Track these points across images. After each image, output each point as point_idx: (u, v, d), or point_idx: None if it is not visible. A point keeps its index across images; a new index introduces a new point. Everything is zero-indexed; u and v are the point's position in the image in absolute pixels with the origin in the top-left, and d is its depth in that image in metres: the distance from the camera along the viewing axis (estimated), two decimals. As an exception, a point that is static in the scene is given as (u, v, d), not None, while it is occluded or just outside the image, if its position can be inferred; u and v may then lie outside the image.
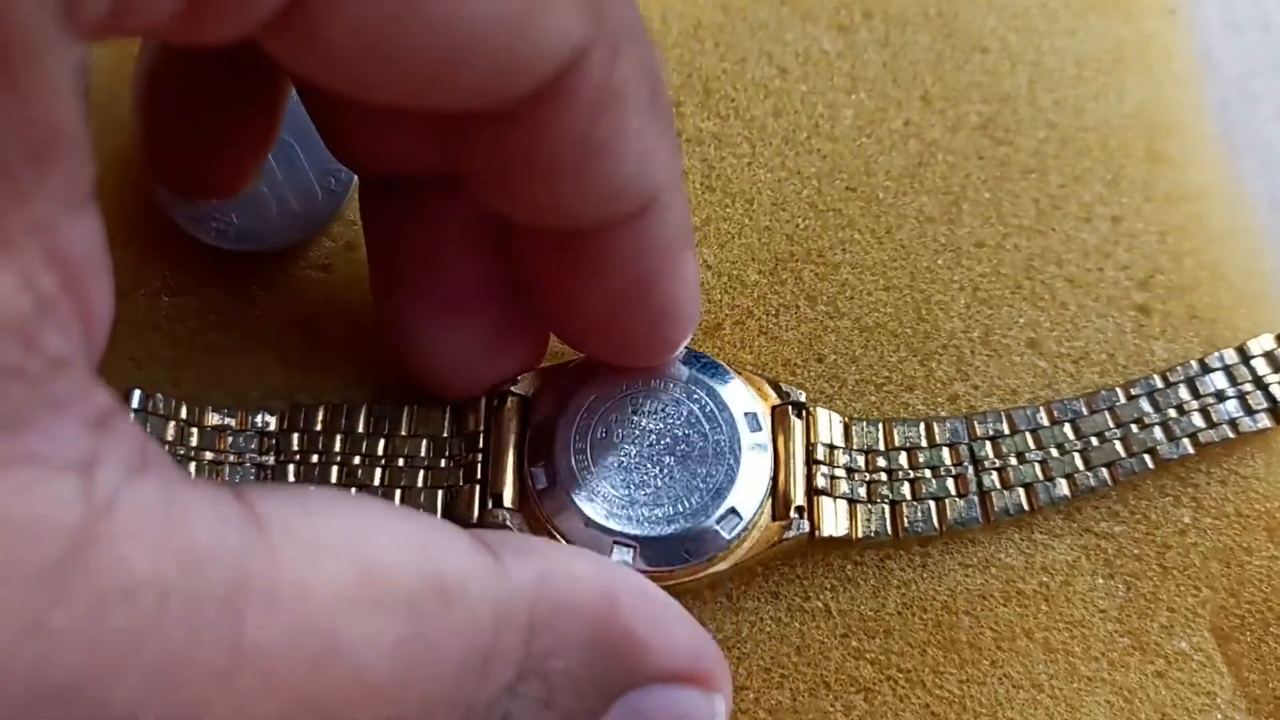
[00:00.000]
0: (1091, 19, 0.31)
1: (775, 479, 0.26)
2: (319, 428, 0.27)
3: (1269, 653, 0.26)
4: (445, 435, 0.26)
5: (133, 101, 0.26)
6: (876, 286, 0.29)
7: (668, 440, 0.25)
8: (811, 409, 0.26)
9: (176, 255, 0.29)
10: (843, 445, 0.26)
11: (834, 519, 0.26)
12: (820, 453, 0.26)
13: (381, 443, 0.26)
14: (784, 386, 0.26)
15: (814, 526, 0.25)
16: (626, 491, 0.25)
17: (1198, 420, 0.27)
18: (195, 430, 0.26)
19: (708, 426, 0.26)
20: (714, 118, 0.30)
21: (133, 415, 0.25)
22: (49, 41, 0.13)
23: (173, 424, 0.26)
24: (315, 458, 0.26)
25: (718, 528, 0.25)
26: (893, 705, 0.26)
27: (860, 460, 0.27)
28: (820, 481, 0.26)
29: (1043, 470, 0.27)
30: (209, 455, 0.26)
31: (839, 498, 0.26)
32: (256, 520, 0.15)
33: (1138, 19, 0.31)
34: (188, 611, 0.14)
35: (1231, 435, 0.27)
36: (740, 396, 0.26)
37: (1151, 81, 0.30)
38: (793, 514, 0.25)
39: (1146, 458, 0.27)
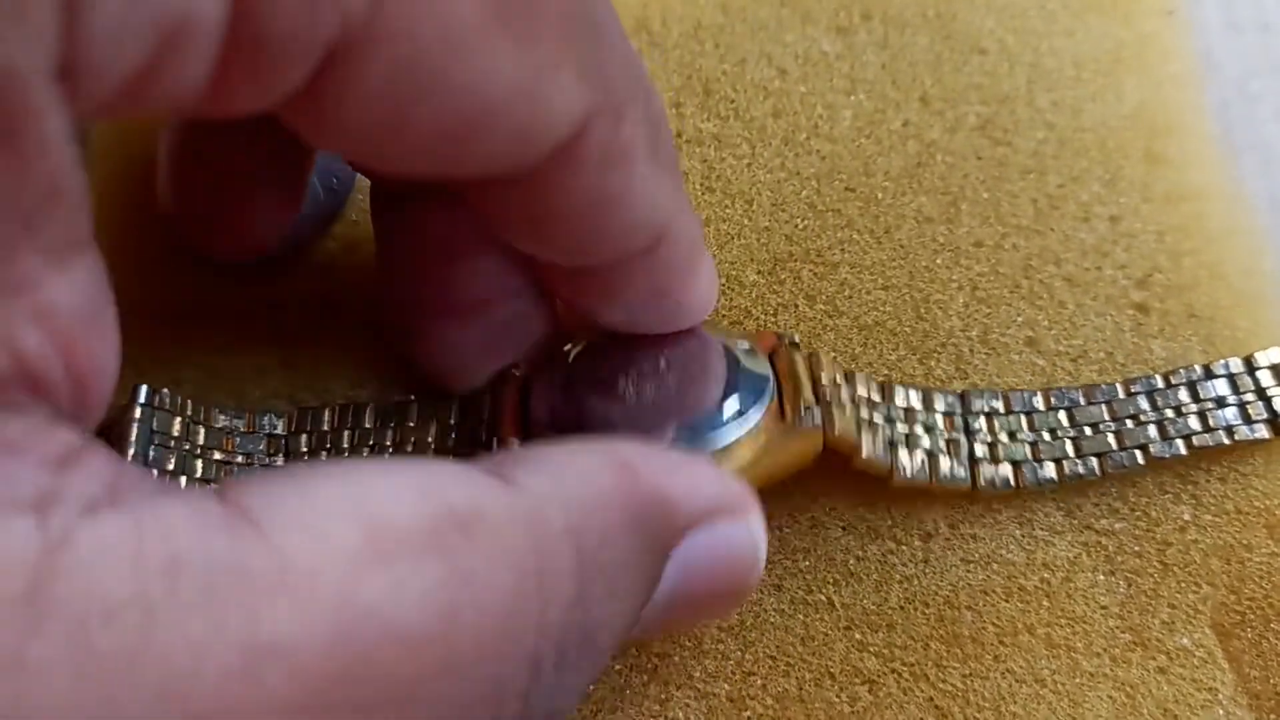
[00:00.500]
0: (1090, 20, 0.31)
1: (780, 393, 0.25)
2: (326, 428, 0.27)
3: (1270, 649, 0.27)
4: (453, 421, 0.26)
5: (161, 164, 0.27)
6: (875, 286, 0.29)
7: (662, 382, 0.25)
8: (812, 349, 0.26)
9: (176, 256, 0.29)
10: (845, 384, 0.26)
11: (845, 424, 0.25)
12: (825, 381, 0.26)
13: (389, 433, 0.26)
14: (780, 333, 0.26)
15: (827, 427, 0.25)
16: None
17: (1194, 423, 0.27)
18: (202, 429, 0.26)
19: (705, 357, 0.25)
20: (714, 118, 0.31)
21: (139, 411, 0.25)
22: (44, 108, 0.13)
23: (178, 420, 0.26)
24: (324, 454, 0.26)
25: (724, 416, 0.24)
26: (897, 697, 0.26)
27: (863, 393, 0.26)
28: (828, 397, 0.25)
29: (1032, 451, 0.27)
30: (217, 455, 0.26)
31: (847, 415, 0.25)
32: (243, 514, 0.15)
33: (1136, 20, 0.31)
34: (182, 622, 0.13)
35: (1227, 441, 0.27)
36: (734, 336, 0.26)
37: (1150, 82, 0.31)
38: (803, 410, 0.25)
39: (1138, 453, 0.27)
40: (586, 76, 0.19)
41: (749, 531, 0.21)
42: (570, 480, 0.18)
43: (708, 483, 0.21)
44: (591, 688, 0.26)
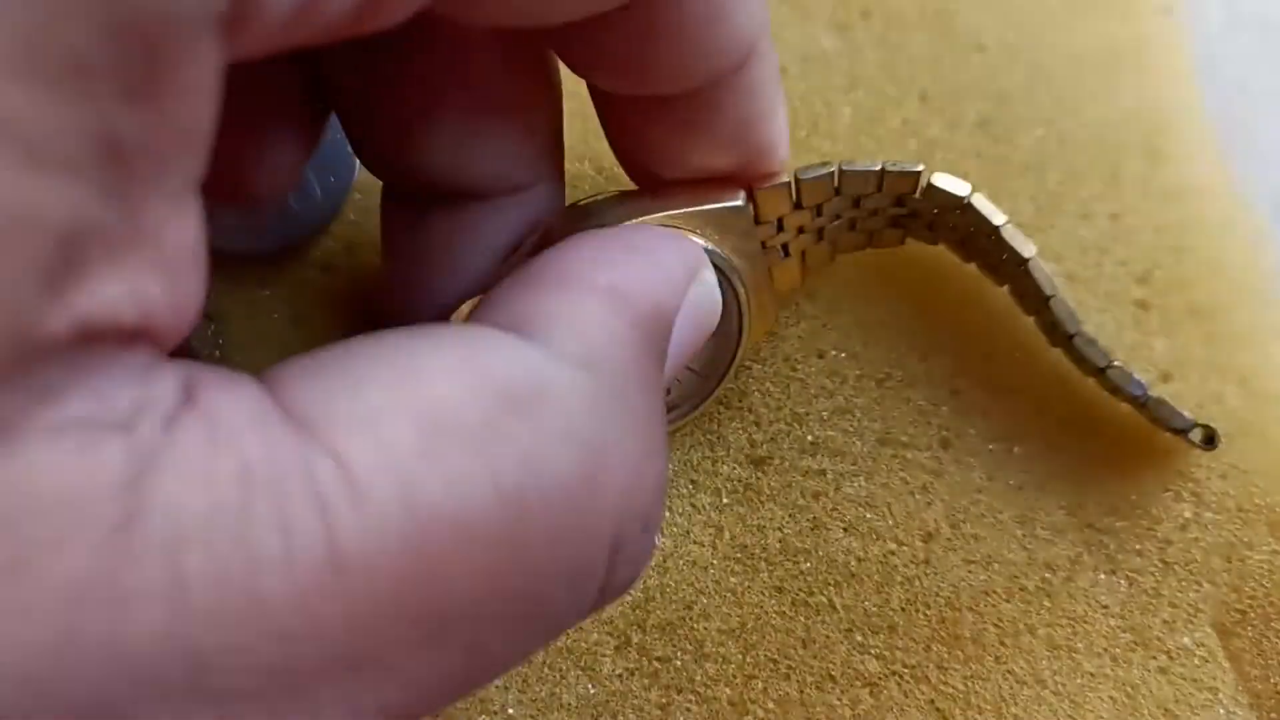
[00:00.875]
0: (1089, 18, 0.31)
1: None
2: None
3: (1270, 648, 0.27)
4: None
5: None
6: (876, 283, 0.29)
7: None
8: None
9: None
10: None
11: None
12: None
13: None
14: None
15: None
16: None
17: None
18: None
19: None
20: (713, 117, 0.30)
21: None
22: (199, 59, 0.13)
23: None
24: None
25: None
26: (898, 700, 0.26)
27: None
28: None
29: None
30: None
31: None
32: (299, 416, 0.14)
33: (1134, 18, 0.31)
34: (260, 538, 0.13)
35: None
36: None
37: (1149, 80, 0.31)
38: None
39: None
40: None
41: (707, 284, 0.22)
42: (592, 333, 0.18)
43: (676, 261, 0.21)
44: (593, 689, 0.26)
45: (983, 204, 0.26)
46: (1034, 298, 0.26)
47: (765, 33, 0.23)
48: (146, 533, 0.13)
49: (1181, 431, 0.26)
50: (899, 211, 0.27)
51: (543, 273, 0.19)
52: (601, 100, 0.24)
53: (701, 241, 0.25)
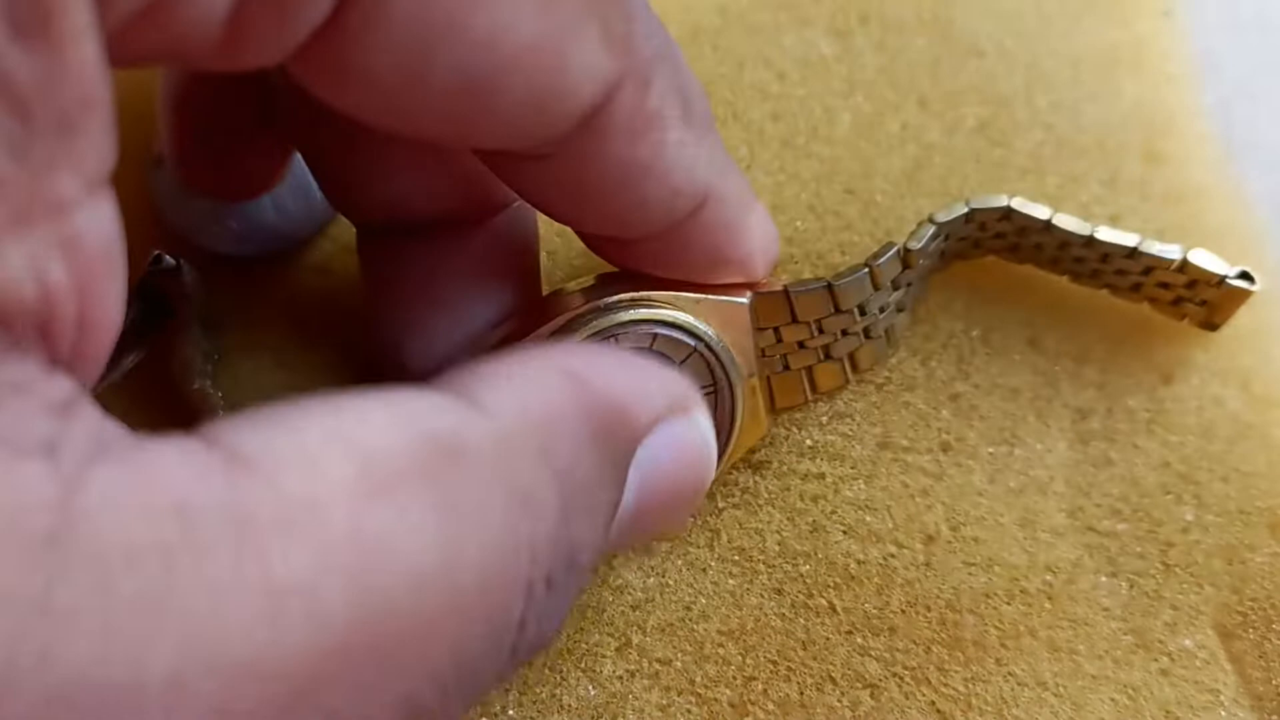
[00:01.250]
0: (1087, 21, 0.31)
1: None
2: None
3: (1272, 650, 0.26)
4: None
5: (162, 103, 0.26)
6: (876, 288, 0.29)
7: None
8: None
9: (174, 255, 0.29)
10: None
11: None
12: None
13: None
14: None
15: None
16: None
17: None
18: None
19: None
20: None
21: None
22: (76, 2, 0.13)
23: None
24: None
25: None
26: (899, 702, 0.26)
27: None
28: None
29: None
30: None
31: None
32: (234, 455, 0.14)
33: (1133, 21, 0.31)
34: (200, 566, 0.13)
35: None
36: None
37: (1148, 82, 0.31)
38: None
39: None
40: (610, 41, 0.19)
41: (699, 428, 0.21)
42: (532, 398, 0.18)
43: (655, 382, 0.20)
44: (593, 693, 0.26)
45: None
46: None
47: (722, 175, 0.23)
48: (79, 551, 0.12)
49: (1223, 279, 0.27)
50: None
51: (509, 352, 0.19)
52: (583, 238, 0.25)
53: (703, 327, 0.25)
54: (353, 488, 0.15)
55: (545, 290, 0.27)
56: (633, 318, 0.25)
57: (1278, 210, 0.31)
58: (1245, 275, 0.27)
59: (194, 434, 0.15)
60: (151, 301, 0.27)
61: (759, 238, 0.25)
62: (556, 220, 0.23)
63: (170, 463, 0.14)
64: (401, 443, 0.15)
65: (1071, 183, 0.30)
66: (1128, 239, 0.27)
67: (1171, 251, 0.27)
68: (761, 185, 0.30)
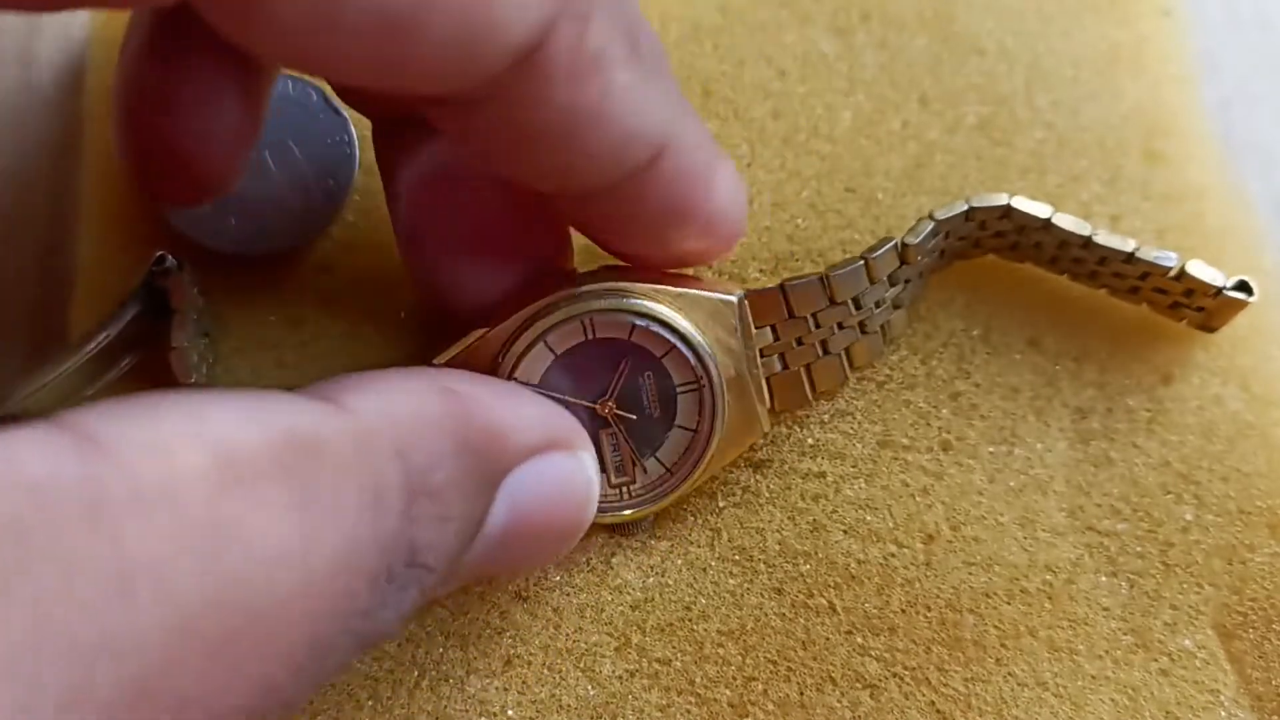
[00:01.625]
0: (1087, 20, 0.31)
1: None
2: None
3: (1272, 650, 0.26)
4: None
5: (113, 111, 0.25)
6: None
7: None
8: None
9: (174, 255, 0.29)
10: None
11: None
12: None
13: None
14: None
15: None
16: None
17: None
18: None
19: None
20: (713, 119, 0.30)
21: None
22: None
23: None
24: None
25: None
26: (899, 702, 0.26)
27: None
28: None
29: None
30: None
31: None
32: (88, 438, 0.14)
33: (1133, 21, 0.31)
34: (52, 545, 0.13)
35: None
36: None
37: (1148, 82, 0.31)
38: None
39: None
40: None
41: (580, 465, 0.22)
42: (398, 403, 0.18)
43: (538, 415, 0.21)
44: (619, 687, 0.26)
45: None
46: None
47: (680, 121, 0.22)
48: None
49: (1219, 290, 0.27)
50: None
51: (394, 370, 0.20)
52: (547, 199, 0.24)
53: (683, 321, 0.25)
54: (208, 476, 0.15)
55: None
56: (607, 306, 0.25)
57: (1278, 211, 0.31)
58: (1243, 285, 0.27)
59: (52, 420, 0.15)
60: (152, 301, 0.27)
61: (725, 192, 0.23)
62: (504, 173, 0.22)
63: (26, 444, 0.14)
64: (259, 438, 0.16)
65: (1072, 182, 0.30)
66: (1125, 244, 0.27)
67: (1168, 259, 0.27)
68: (763, 183, 0.30)
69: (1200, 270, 0.27)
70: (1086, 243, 0.27)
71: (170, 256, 0.27)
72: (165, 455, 0.15)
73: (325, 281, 0.29)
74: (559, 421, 0.21)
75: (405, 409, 0.18)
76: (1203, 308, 0.27)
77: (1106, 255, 0.27)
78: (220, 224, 0.28)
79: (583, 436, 0.22)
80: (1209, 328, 0.28)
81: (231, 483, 0.15)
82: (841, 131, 0.30)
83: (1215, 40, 0.33)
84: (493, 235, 0.25)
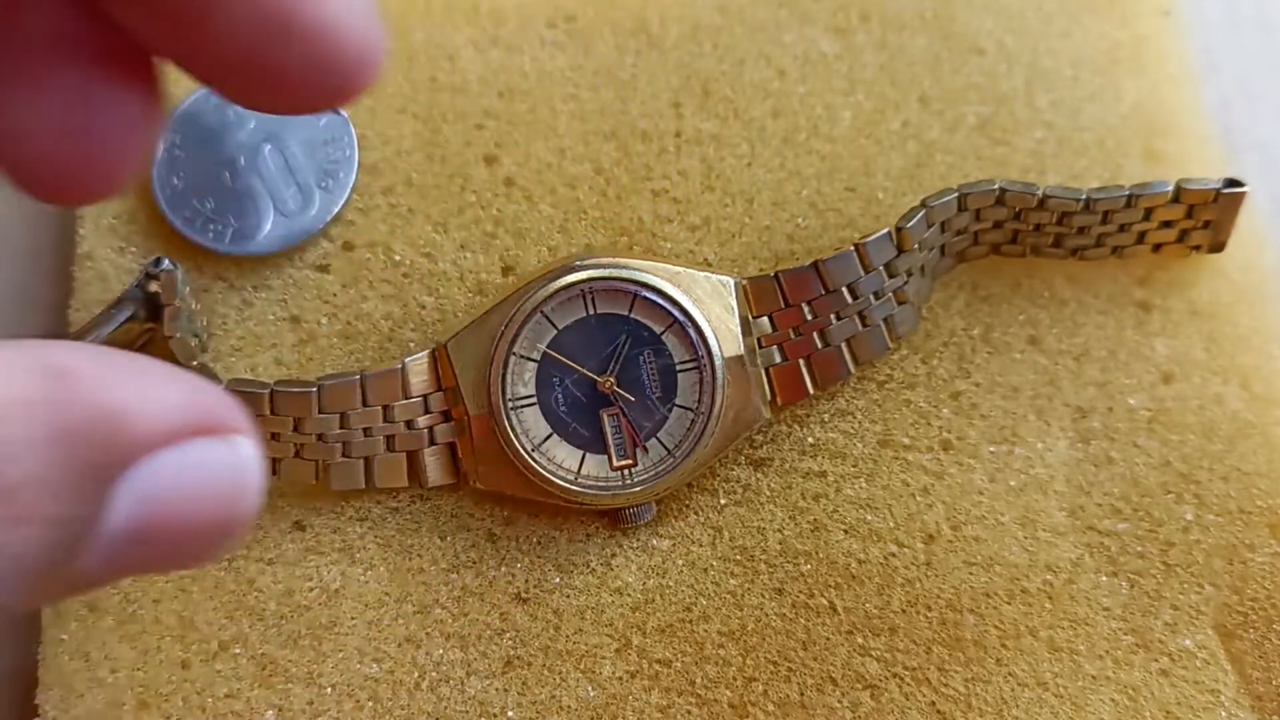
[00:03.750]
0: (1087, 21, 0.31)
1: None
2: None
3: (1273, 650, 0.26)
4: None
5: None
6: (876, 286, 0.29)
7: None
8: None
9: (174, 258, 0.29)
10: None
11: None
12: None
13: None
14: None
15: None
16: None
17: None
18: None
19: None
20: (713, 119, 0.30)
21: None
22: None
23: None
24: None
25: None
26: (899, 703, 0.26)
27: None
28: None
29: None
30: None
31: None
32: None
33: (1133, 21, 0.31)
34: None
35: None
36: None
37: (1148, 82, 0.31)
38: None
39: None
40: None
41: (234, 453, 0.18)
42: None
43: (178, 398, 0.17)
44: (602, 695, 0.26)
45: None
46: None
47: None
48: None
49: (1218, 194, 0.27)
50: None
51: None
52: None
53: (683, 297, 0.26)
54: None
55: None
56: (607, 275, 0.26)
57: (1278, 211, 0.31)
58: (1233, 181, 0.28)
59: None
60: (145, 302, 0.27)
61: (349, 6, 0.18)
62: None
63: None
64: None
65: (1072, 181, 0.30)
66: (1120, 190, 0.27)
67: (1164, 185, 0.27)
68: (763, 182, 0.30)
69: (1193, 183, 0.27)
70: (1086, 204, 0.27)
71: (167, 260, 0.27)
72: None
73: (324, 281, 0.29)
74: (207, 403, 0.18)
75: None
76: (1208, 221, 0.28)
77: (1108, 209, 0.27)
78: (219, 225, 0.29)
79: (241, 419, 0.18)
80: (1218, 244, 0.28)
81: None
82: (842, 131, 0.30)
83: (1215, 40, 0.33)
84: (55, 54, 0.20)
